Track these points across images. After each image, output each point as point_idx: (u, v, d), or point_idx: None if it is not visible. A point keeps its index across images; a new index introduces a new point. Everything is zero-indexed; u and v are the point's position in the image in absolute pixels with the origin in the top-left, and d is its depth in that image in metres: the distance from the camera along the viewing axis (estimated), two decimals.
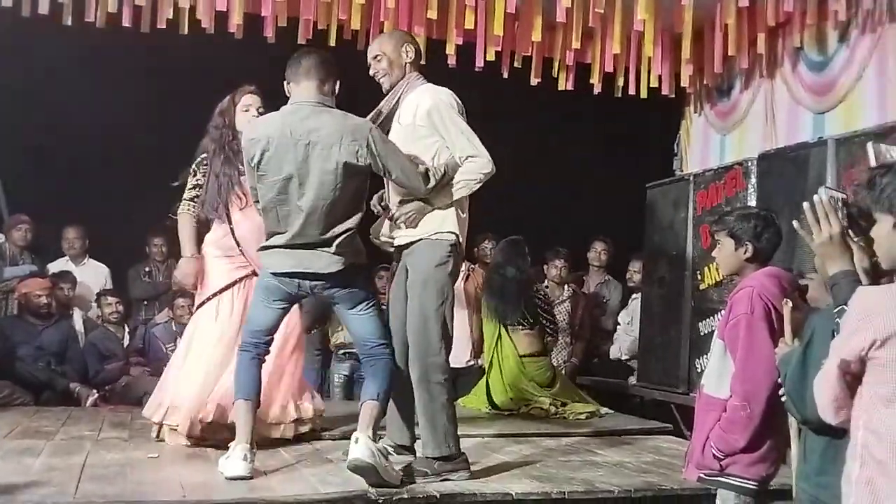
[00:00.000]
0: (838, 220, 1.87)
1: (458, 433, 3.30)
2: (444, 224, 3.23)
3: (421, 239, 3.23)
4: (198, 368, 3.71)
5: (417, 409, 3.26)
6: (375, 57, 3.37)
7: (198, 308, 3.89)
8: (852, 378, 1.71)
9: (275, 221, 3.15)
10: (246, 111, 3.83)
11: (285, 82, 3.24)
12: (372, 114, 3.37)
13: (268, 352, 3.28)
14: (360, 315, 3.21)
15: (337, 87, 3.23)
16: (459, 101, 3.32)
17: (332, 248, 3.08)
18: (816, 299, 2.39)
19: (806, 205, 1.91)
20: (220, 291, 3.79)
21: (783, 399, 2.18)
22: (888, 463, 1.63)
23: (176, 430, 3.69)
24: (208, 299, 3.81)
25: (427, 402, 3.19)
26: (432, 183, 3.15)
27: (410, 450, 3.42)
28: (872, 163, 2.08)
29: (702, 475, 2.67)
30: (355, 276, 3.19)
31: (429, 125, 3.24)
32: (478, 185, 3.26)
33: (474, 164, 3.23)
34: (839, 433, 1.83)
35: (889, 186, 1.71)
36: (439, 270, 3.19)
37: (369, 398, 3.15)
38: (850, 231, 1.89)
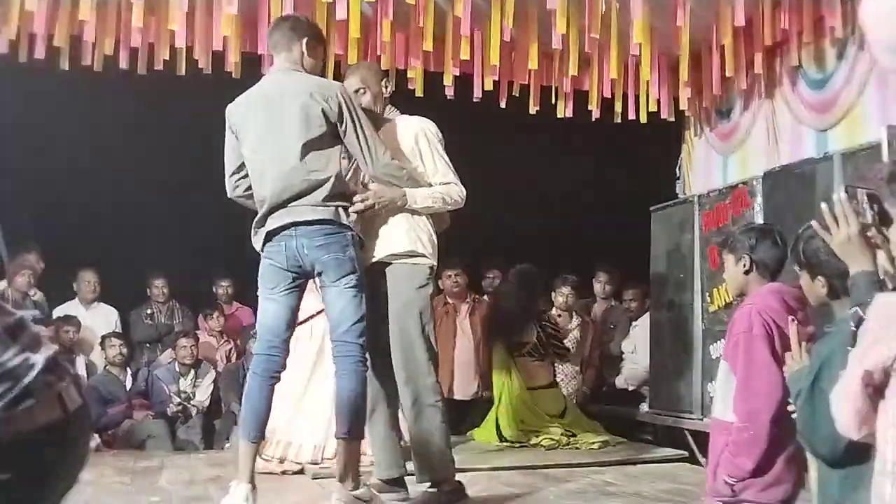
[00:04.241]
0: (857, 220, 1.81)
1: (470, 466, 3.23)
2: (417, 244, 3.21)
3: (399, 260, 3.20)
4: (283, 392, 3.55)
5: (411, 436, 3.21)
6: (357, 90, 3.31)
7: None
8: (874, 390, 1.63)
9: (258, 184, 3.05)
10: None
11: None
12: None
13: (284, 365, 3.04)
14: (343, 290, 2.98)
15: (305, 46, 3.12)
16: (441, 133, 3.38)
17: (319, 199, 2.97)
18: None
19: (824, 205, 1.84)
20: (313, 316, 4.01)
21: (794, 417, 2.10)
22: None
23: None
24: (301, 322, 3.72)
25: (424, 426, 3.14)
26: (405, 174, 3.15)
27: (400, 483, 3.32)
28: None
29: (717, 503, 2.57)
30: (345, 244, 3.00)
31: (412, 151, 3.26)
32: (446, 207, 3.28)
33: (451, 187, 3.27)
34: (854, 465, 1.76)
35: None
36: (420, 293, 3.19)
37: (341, 435, 2.96)
38: (882, 230, 1.80)
